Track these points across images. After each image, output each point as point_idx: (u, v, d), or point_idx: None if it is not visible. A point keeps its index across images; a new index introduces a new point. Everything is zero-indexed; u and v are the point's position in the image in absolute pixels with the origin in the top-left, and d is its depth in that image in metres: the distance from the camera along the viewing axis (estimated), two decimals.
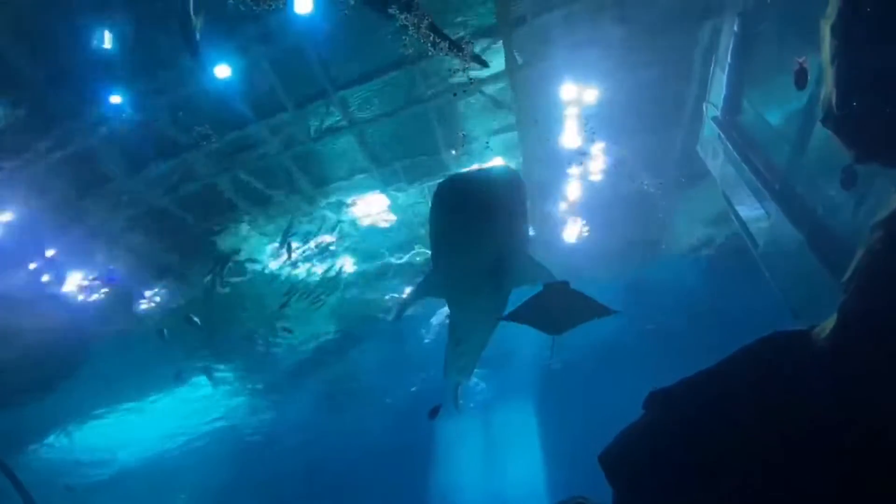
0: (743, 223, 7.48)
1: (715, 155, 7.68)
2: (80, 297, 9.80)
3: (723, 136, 6.84)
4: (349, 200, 9.66)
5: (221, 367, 14.38)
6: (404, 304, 8.62)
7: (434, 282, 7.53)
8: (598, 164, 9.59)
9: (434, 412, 11.56)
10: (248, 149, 8.39)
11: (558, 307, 6.10)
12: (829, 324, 2.65)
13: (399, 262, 11.79)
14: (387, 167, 9.11)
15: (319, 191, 9.35)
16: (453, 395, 11.26)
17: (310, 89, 7.60)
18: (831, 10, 2.56)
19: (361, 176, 9.17)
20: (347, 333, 14.36)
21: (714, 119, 7.09)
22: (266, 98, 7.61)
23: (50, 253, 8.93)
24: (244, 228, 9.77)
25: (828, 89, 2.63)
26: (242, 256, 10.43)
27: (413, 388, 19.13)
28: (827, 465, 2.68)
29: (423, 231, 11.03)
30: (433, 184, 9.43)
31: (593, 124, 8.53)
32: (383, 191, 9.65)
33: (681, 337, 17.99)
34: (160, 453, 18.05)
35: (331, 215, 10.03)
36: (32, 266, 8.96)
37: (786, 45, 5.28)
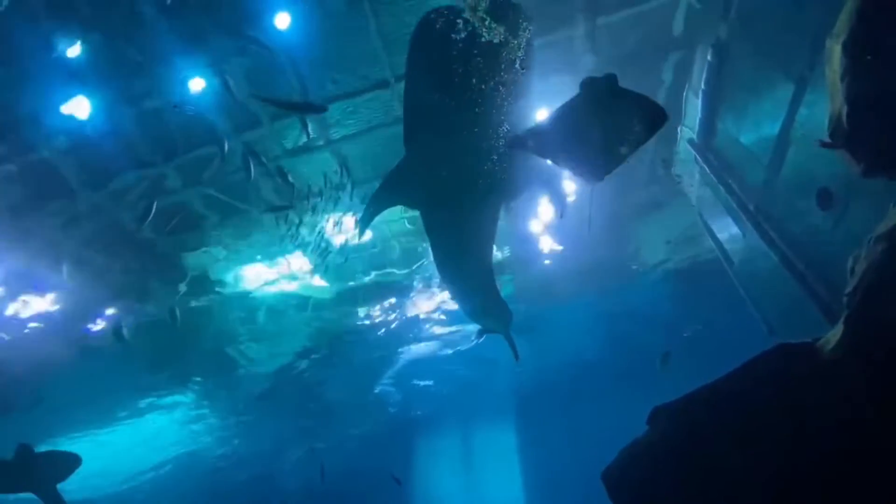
0: (719, 243, 7.66)
1: (691, 177, 7.90)
2: (28, 323, 9.11)
3: (699, 158, 7.03)
4: (321, 217, 9.42)
5: (185, 391, 13.61)
6: (367, 216, 6.35)
7: (405, 174, 5.58)
8: (568, 183, 9.76)
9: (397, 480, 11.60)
10: (217, 163, 8.08)
11: (606, 116, 3.73)
12: (833, 336, 2.64)
13: (370, 280, 11.54)
14: (361, 186, 8.92)
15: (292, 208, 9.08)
16: (510, 343, 9.36)
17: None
18: (841, 29, 2.64)
19: (336, 192, 8.96)
20: (319, 354, 13.91)
21: (689, 142, 7.29)
22: (240, 112, 7.39)
23: None
24: (212, 247, 9.44)
25: (836, 106, 2.69)
26: (210, 276, 10.05)
27: (392, 410, 18.65)
28: (837, 481, 2.61)
29: (396, 252, 10.87)
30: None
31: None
32: (357, 210, 9.47)
33: (656, 356, 18.19)
34: (127, 485, 16.97)
35: (304, 233, 9.76)
36: None
37: (759, 69, 5.49)
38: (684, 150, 7.75)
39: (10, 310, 8.89)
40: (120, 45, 6.30)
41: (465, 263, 6.74)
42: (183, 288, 9.98)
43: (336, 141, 8.03)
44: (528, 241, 11.08)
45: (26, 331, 9.29)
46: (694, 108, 7.00)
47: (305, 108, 7.01)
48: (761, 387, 3.16)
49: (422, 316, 13.80)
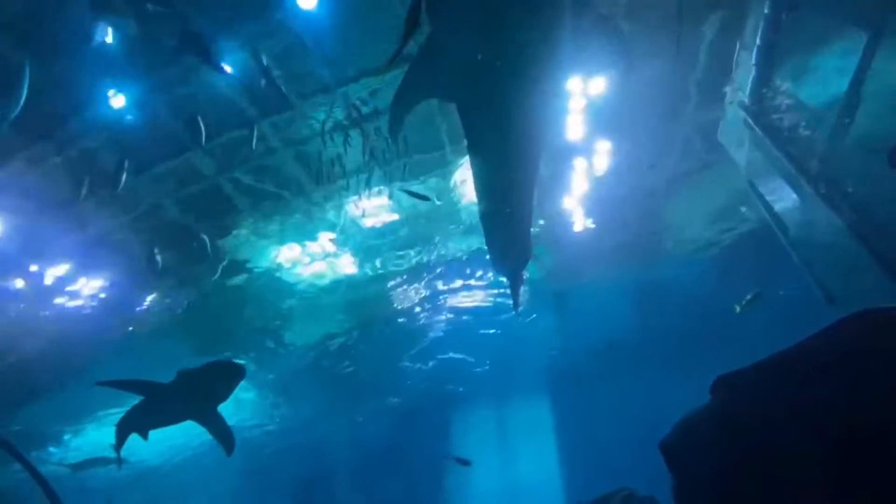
0: (771, 210, 7.26)
1: (740, 142, 7.46)
2: (83, 301, 9.50)
3: (750, 121, 6.61)
4: (351, 198, 9.45)
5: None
6: (395, 113, 5.41)
7: (432, 54, 4.56)
8: (602, 159, 9.42)
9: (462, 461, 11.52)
10: (250, 148, 8.10)
11: None
12: None
13: (400, 260, 11.54)
14: (389, 164, 8.85)
15: (322, 190, 9.12)
16: (514, 292, 8.89)
17: (312, 86, 7.44)
18: None
19: (363, 175, 8.95)
20: (351, 331, 14.08)
21: (740, 104, 6.85)
22: (269, 95, 7.38)
23: (49, 257, 8.63)
24: (246, 230, 9.61)
25: None
26: (244, 258, 10.22)
27: (424, 385, 18.91)
28: None
29: (426, 228, 10.78)
30: (436, 179, 9.15)
31: (598, 117, 8.33)
32: (387, 188, 9.36)
33: (690, 335, 17.82)
34: (174, 453, 18.03)
35: (333, 215, 9.75)
36: (33, 270, 8.84)
37: (826, 19, 5.04)
38: (733, 113, 7.30)
39: (62, 296, 9.39)
40: (153, 31, 6.26)
41: (506, 172, 5.72)
42: (219, 271, 10.20)
43: (366, 116, 7.87)
44: (560, 217, 10.80)
45: (84, 310, 9.79)
46: (746, 66, 6.55)
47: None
48: (844, 355, 2.93)
49: (452, 292, 13.75)
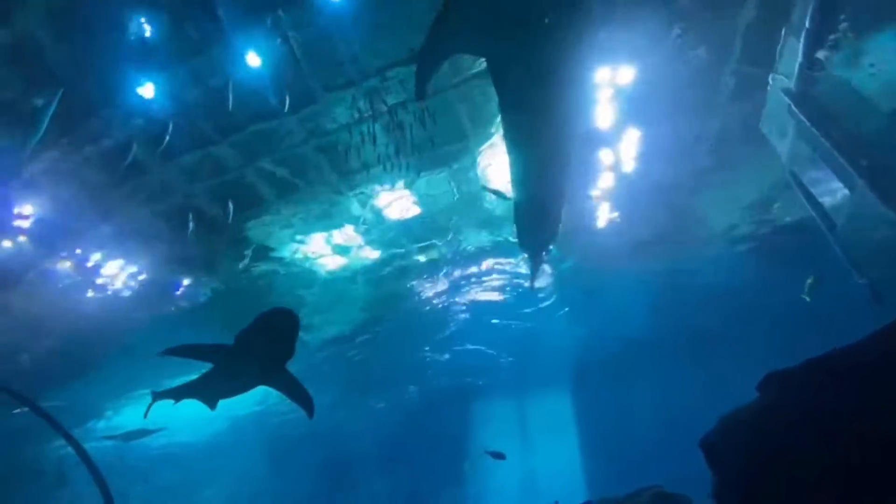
0: (816, 203, 6.90)
1: (782, 131, 7.10)
2: (117, 286, 9.98)
3: (796, 108, 6.25)
4: (374, 190, 9.47)
5: None
6: (423, 68, 4.97)
7: (460, 4, 4.20)
8: (630, 150, 9.13)
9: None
10: (276, 139, 8.14)
11: None
12: None
13: (421, 252, 11.56)
14: (412, 156, 8.81)
15: (346, 181, 9.17)
16: (534, 267, 8.71)
17: (338, 78, 7.44)
18: None
19: (387, 165, 8.92)
20: (373, 321, 14.10)
21: (784, 91, 6.49)
22: (294, 87, 7.46)
23: (86, 244, 9.05)
24: (270, 219, 9.72)
25: None
26: (269, 247, 10.42)
27: (445, 375, 18.95)
28: None
29: (448, 220, 10.70)
30: (460, 169, 9.04)
31: (627, 108, 8.06)
32: (408, 180, 9.31)
33: (720, 329, 17.31)
34: (204, 433, 18.69)
35: (356, 207, 9.74)
36: (72, 256, 9.18)
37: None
38: (776, 100, 6.93)
39: (102, 277, 9.77)
40: (183, 24, 6.31)
41: (541, 135, 5.29)
42: (246, 259, 10.35)
43: (387, 111, 7.85)
44: (585, 211, 10.55)
45: (122, 293, 10.14)
46: (792, 51, 6.19)
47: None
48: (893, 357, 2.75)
49: (473, 284, 13.66)
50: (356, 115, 7.92)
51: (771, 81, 6.98)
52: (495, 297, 14.54)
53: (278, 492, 23.23)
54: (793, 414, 2.94)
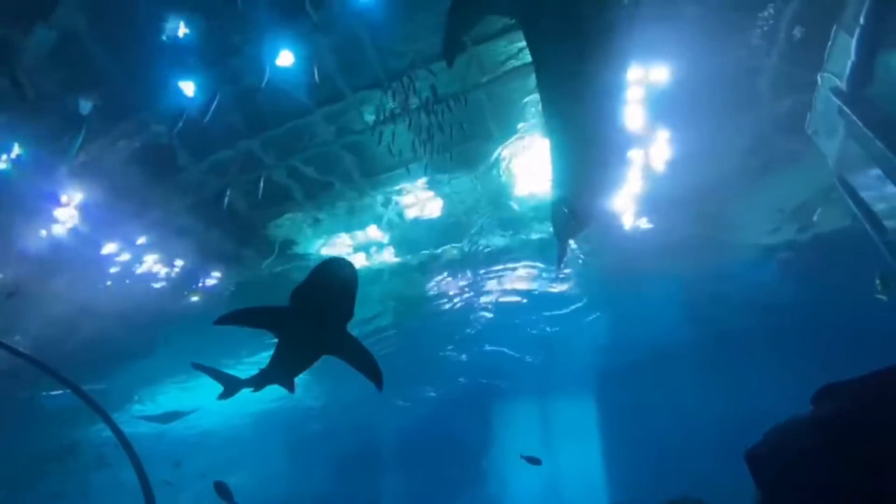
0: (867, 209, 6.49)
1: (831, 132, 6.70)
2: (152, 277, 10.43)
3: (846, 109, 5.90)
4: (397, 189, 9.51)
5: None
6: (451, 29, 4.90)
7: None
8: (662, 152, 8.82)
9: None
10: (305, 137, 8.25)
11: None
12: None
13: (444, 252, 11.56)
14: (437, 154, 8.77)
15: (371, 180, 9.24)
16: (561, 249, 8.47)
17: (365, 77, 7.51)
18: None
19: (412, 165, 8.96)
20: (395, 320, 14.14)
21: (834, 91, 6.12)
22: (323, 85, 7.53)
23: (118, 241, 9.44)
24: (297, 217, 9.90)
25: None
26: (294, 244, 10.58)
27: (465, 377, 18.89)
28: None
29: (471, 220, 10.61)
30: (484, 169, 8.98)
31: (658, 108, 7.79)
32: (433, 180, 9.27)
33: (749, 338, 16.73)
34: (229, 423, 19.33)
35: (380, 206, 9.77)
36: (110, 250, 9.60)
37: None
38: (824, 100, 6.55)
39: (140, 267, 10.21)
40: (218, 25, 6.46)
41: (584, 103, 5.04)
42: (271, 256, 10.60)
43: (415, 110, 7.88)
44: (613, 214, 10.28)
45: (156, 284, 10.58)
46: (843, 49, 5.83)
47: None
48: None
49: (496, 284, 13.53)
50: (383, 115, 7.94)
51: (819, 81, 6.60)
52: (519, 298, 14.40)
53: (297, 484, 23.74)
54: (852, 429, 2.75)
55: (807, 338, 15.18)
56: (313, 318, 5.04)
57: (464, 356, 17.59)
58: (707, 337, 16.33)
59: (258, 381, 6.90)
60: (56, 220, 8.76)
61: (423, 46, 7.03)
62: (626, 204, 10.09)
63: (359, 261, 11.28)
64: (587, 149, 5.85)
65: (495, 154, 8.91)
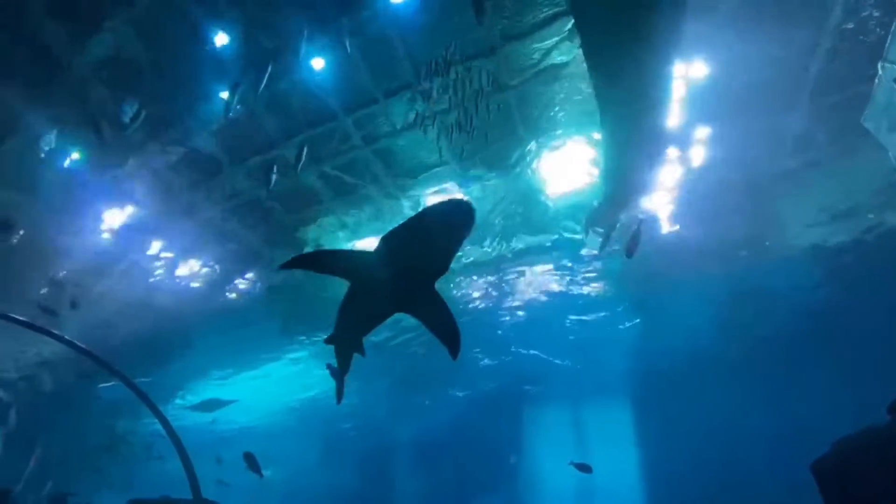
0: None
1: (893, 125, 6.17)
2: (191, 278, 10.90)
3: None
4: (425, 192, 9.54)
5: (306, 347, 15.06)
6: None
7: None
8: (699, 150, 8.41)
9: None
10: (334, 141, 8.38)
11: None
12: None
13: (471, 253, 11.54)
14: (465, 158, 8.82)
15: (398, 183, 9.30)
16: (606, 233, 8.42)
17: (395, 81, 7.59)
18: None
19: (440, 168, 9.00)
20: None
21: None
22: (354, 91, 7.70)
23: (162, 242, 9.92)
24: (325, 220, 10.11)
25: None
26: (324, 246, 10.79)
27: (490, 380, 18.71)
28: None
29: (501, 221, 10.48)
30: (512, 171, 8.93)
31: (698, 102, 7.46)
32: (461, 182, 9.24)
33: (794, 344, 15.89)
34: (265, 420, 19.94)
35: (408, 210, 9.85)
36: (151, 252, 10.11)
37: None
38: (886, 92, 6.04)
39: (180, 268, 10.69)
40: (255, 32, 6.64)
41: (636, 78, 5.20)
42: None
43: (440, 113, 7.89)
44: (648, 215, 9.90)
45: (195, 285, 11.03)
46: None
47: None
48: None
49: (525, 287, 13.33)
50: (412, 119, 7.96)
51: (880, 71, 6.09)
52: (548, 300, 14.13)
53: (329, 480, 24.21)
54: None
55: (856, 343, 14.24)
56: (405, 268, 4.21)
57: (494, 358, 17.45)
58: (749, 343, 15.64)
59: (337, 348, 5.94)
60: (105, 223, 9.30)
61: (457, 45, 6.98)
62: (663, 205, 9.72)
63: None
64: (636, 135, 6.07)
65: (524, 155, 8.80)
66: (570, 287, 13.42)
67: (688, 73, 6.99)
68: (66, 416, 15.20)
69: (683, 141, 8.18)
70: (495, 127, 8.03)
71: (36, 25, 6.47)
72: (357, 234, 10.36)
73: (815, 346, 15.20)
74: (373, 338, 15.52)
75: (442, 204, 3.90)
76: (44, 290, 10.49)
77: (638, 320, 14.91)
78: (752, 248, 11.49)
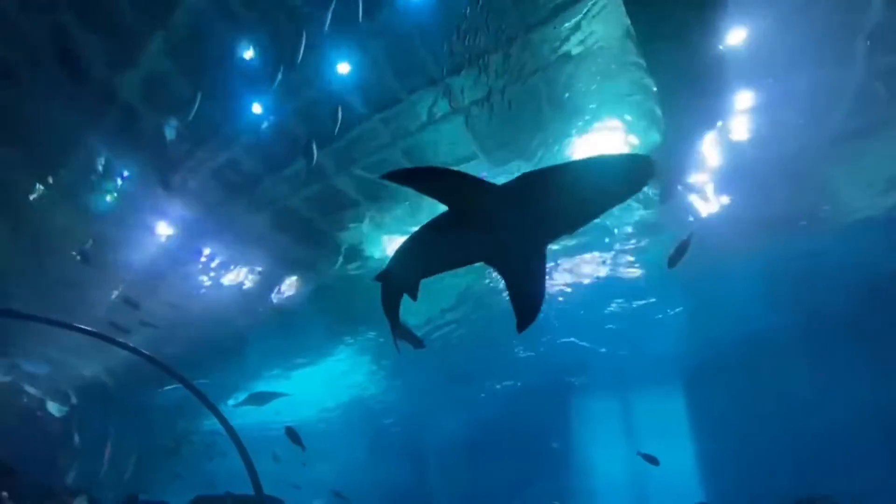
0: None
1: None
2: (239, 284, 11.46)
3: None
4: None
5: (355, 339, 15.36)
6: None
7: None
8: (743, 120, 7.96)
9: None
10: (363, 143, 8.55)
11: None
12: None
13: None
14: (494, 150, 8.75)
15: None
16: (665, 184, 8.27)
17: (419, 77, 7.60)
18: None
19: (469, 163, 8.96)
20: (463, 313, 14.22)
21: None
22: (379, 91, 7.79)
23: (210, 251, 10.46)
24: (360, 222, 10.32)
25: None
26: (361, 248, 11.09)
27: (535, 369, 18.51)
28: None
29: None
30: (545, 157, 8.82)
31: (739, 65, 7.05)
32: (490, 174, 9.22)
33: (848, 322, 14.90)
34: (315, 416, 20.60)
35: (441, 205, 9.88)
36: (200, 263, 10.70)
37: None
38: None
39: (228, 275, 11.24)
40: (281, 42, 6.87)
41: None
42: (339, 261, 11.20)
43: (467, 106, 7.87)
44: (690, 190, 9.50)
45: (242, 290, 11.58)
46: None
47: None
48: None
49: (565, 273, 13.13)
50: (437, 112, 8.01)
51: None
52: (589, 287, 13.87)
53: (377, 475, 24.75)
54: None
55: None
56: (537, 217, 3.56)
57: (531, 348, 17.30)
58: (806, 323, 14.75)
59: (385, 288, 5.16)
60: (157, 238, 9.92)
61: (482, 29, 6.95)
62: (708, 180, 9.33)
63: None
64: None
65: (551, 142, 8.65)
66: (614, 271, 13.13)
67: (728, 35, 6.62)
68: (133, 420, 16.28)
69: (727, 112, 7.82)
70: (524, 114, 7.93)
71: (90, 58, 6.98)
72: (392, 231, 10.54)
73: (877, 324, 14.20)
74: (418, 329, 15.87)
75: (618, 157, 3.48)
76: (109, 305, 11.32)
77: (684, 305, 14.39)
78: (808, 220, 10.81)
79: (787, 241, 11.23)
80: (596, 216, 3.63)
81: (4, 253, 10.07)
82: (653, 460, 12.69)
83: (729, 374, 18.45)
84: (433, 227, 4.09)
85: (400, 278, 4.78)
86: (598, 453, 25.75)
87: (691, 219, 10.26)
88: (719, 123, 7.89)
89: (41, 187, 9.06)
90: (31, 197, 9.16)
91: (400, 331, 5.58)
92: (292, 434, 10.93)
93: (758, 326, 15.02)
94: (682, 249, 7.95)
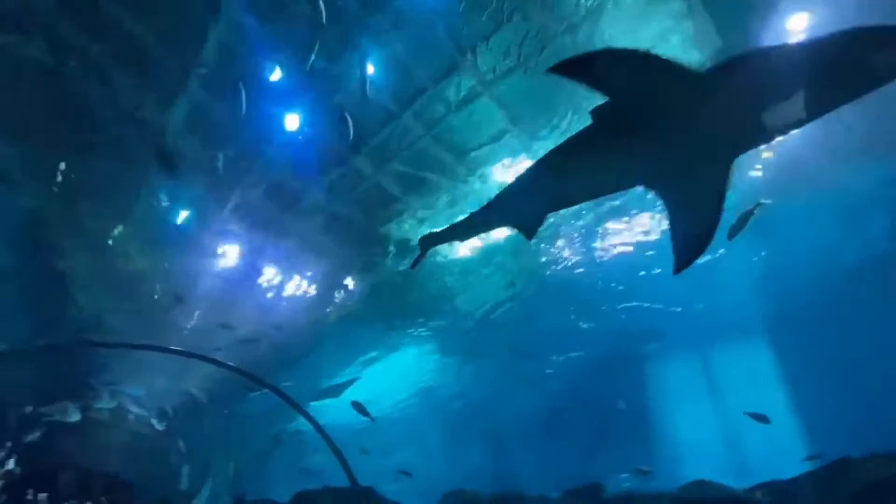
0: None
1: None
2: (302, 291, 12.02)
3: None
4: (495, 167, 9.38)
5: (418, 331, 15.68)
6: None
7: None
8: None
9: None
10: (396, 138, 8.56)
11: None
12: None
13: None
14: (527, 124, 8.51)
15: (465, 164, 9.27)
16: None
17: (442, 61, 7.50)
18: None
19: (503, 140, 8.80)
20: (520, 294, 14.13)
21: None
22: (405, 83, 7.77)
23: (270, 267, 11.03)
24: (404, 217, 10.45)
25: None
26: (407, 242, 11.19)
27: (607, 336, 17.99)
28: None
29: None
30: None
31: None
32: (527, 150, 8.90)
33: None
34: (396, 404, 21.35)
35: (478, 185, 9.73)
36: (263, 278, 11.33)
37: None
38: None
39: (288, 289, 11.86)
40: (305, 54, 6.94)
41: None
42: (389, 256, 11.41)
43: (492, 82, 7.68)
44: None
45: (307, 297, 12.12)
46: None
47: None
48: None
49: (616, 234, 12.57)
50: (464, 93, 7.83)
51: None
52: (653, 247, 13.17)
53: (454, 460, 25.32)
54: None
55: None
56: (745, 116, 2.80)
57: (595, 319, 16.79)
58: None
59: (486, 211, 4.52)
60: (222, 261, 10.58)
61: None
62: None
63: (472, 243, 11.45)
64: None
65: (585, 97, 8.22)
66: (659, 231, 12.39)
67: None
68: (228, 428, 17.64)
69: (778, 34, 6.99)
70: (552, 84, 7.61)
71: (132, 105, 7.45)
72: (437, 222, 10.60)
73: None
74: (471, 327, 15.84)
75: (869, 29, 2.45)
76: (190, 327, 12.25)
77: (767, 250, 13.36)
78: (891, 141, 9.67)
79: (872, 169, 10.08)
80: (836, 106, 2.71)
81: (99, 292, 11.09)
82: (762, 419, 11.95)
83: (818, 316, 17.02)
84: (577, 143, 3.40)
85: (514, 214, 4.10)
86: (680, 418, 24.80)
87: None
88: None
89: (118, 230, 9.88)
90: (110, 241, 10.01)
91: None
92: (359, 407, 11.57)
93: (846, 260, 13.69)
94: (743, 220, 7.43)
